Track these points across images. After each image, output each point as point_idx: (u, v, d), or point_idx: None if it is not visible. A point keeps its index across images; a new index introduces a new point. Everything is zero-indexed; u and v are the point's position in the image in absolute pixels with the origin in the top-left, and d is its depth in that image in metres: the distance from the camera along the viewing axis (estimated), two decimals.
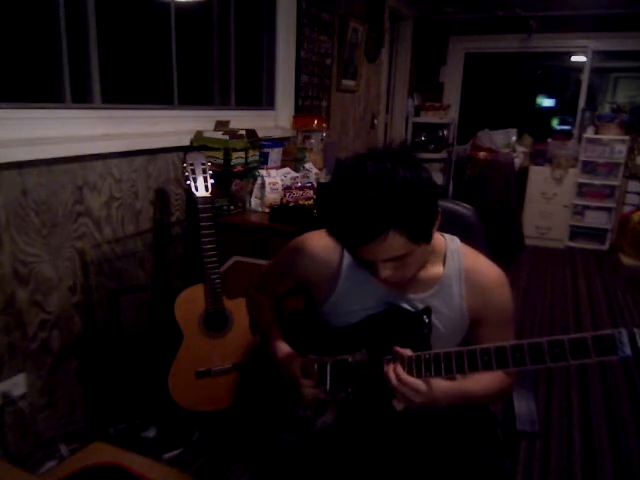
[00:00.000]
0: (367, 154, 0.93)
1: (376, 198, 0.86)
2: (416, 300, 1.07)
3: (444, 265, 1.08)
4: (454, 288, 1.07)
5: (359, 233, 0.89)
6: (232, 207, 2.13)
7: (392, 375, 0.94)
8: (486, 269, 1.08)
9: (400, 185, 0.86)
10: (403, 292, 1.07)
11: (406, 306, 1.07)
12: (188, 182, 1.82)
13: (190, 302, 1.84)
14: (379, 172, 0.87)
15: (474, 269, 1.07)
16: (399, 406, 0.97)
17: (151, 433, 1.91)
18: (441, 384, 0.96)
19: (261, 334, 1.28)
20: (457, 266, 1.07)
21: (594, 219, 4.94)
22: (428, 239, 0.95)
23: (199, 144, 2.09)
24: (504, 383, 1.08)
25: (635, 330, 0.76)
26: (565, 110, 5.64)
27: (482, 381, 1.04)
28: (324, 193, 0.97)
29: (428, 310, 1.02)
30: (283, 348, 1.18)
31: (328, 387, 1.09)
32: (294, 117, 2.93)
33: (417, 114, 5.13)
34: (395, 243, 0.89)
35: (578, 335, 0.79)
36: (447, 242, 1.10)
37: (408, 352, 0.96)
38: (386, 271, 0.95)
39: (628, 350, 0.76)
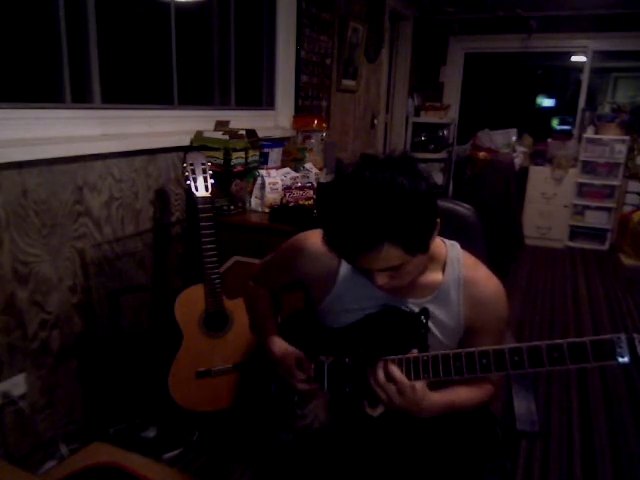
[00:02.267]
0: (367, 162, 0.92)
1: (371, 210, 0.85)
2: (414, 305, 1.07)
3: (443, 272, 1.08)
4: (452, 296, 1.07)
5: (354, 244, 0.89)
6: (232, 207, 2.13)
7: (380, 372, 0.95)
8: (485, 280, 1.08)
9: (396, 197, 0.86)
10: (401, 296, 1.07)
11: (404, 308, 1.07)
12: (188, 182, 1.82)
13: (190, 302, 1.84)
14: (376, 183, 0.87)
15: (473, 280, 1.07)
16: (374, 412, 0.98)
17: (151, 433, 1.91)
18: (433, 396, 0.97)
19: (257, 326, 1.28)
20: (456, 274, 1.07)
21: (594, 219, 4.94)
22: (425, 250, 0.94)
23: (199, 144, 2.09)
24: (489, 392, 1.09)
25: (634, 335, 0.76)
26: (565, 110, 5.64)
27: (471, 392, 1.05)
28: (322, 200, 0.96)
29: (426, 311, 1.02)
30: (278, 342, 1.18)
31: (326, 387, 1.09)
32: (294, 117, 2.93)
33: (417, 114, 5.13)
34: (390, 254, 0.89)
35: (577, 340, 0.80)
36: (447, 248, 1.09)
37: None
38: (382, 279, 0.96)
39: (627, 356, 0.76)
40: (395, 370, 0.94)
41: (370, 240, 0.87)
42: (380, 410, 0.97)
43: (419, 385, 0.94)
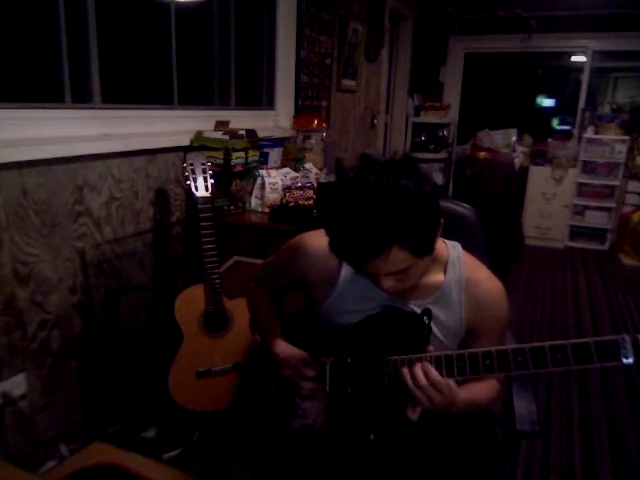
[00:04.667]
0: (370, 165, 0.92)
1: (378, 215, 0.85)
2: (415, 306, 1.07)
3: (445, 273, 1.08)
4: (454, 297, 1.07)
5: (361, 250, 0.89)
6: (232, 207, 2.13)
7: (420, 374, 0.92)
8: (486, 282, 1.08)
9: (402, 200, 0.86)
10: (403, 297, 1.07)
11: (406, 309, 1.07)
12: (188, 182, 1.82)
13: (190, 302, 1.83)
14: (382, 187, 0.87)
15: (475, 281, 1.07)
16: (415, 414, 0.94)
17: (151, 433, 1.91)
18: (462, 394, 0.95)
19: (260, 328, 1.28)
20: (458, 276, 1.07)
21: (594, 219, 4.94)
22: (430, 251, 0.95)
23: (199, 144, 2.09)
24: (499, 392, 1.09)
25: (639, 336, 0.76)
26: (565, 110, 5.64)
27: (486, 390, 1.05)
28: (327, 207, 0.95)
29: (428, 312, 1.02)
30: (282, 344, 1.18)
31: (327, 387, 1.08)
32: (294, 117, 2.93)
33: (417, 114, 5.13)
34: (398, 258, 0.89)
35: (581, 340, 0.79)
36: (449, 250, 1.10)
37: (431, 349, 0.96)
38: (388, 282, 0.96)
39: (631, 357, 0.75)
40: (433, 370, 0.91)
41: (378, 244, 0.87)
42: (419, 412, 0.94)
43: (452, 382, 0.92)
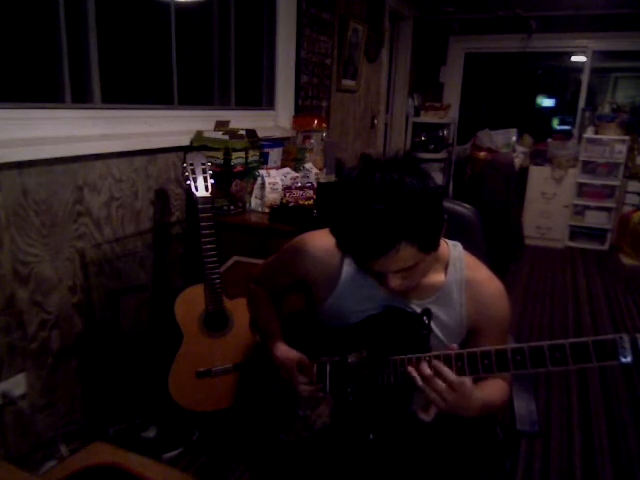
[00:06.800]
0: (373, 164, 0.92)
1: (386, 211, 0.86)
2: (416, 306, 1.07)
3: (446, 273, 1.08)
4: (454, 297, 1.07)
5: (371, 248, 0.89)
6: (232, 207, 2.13)
7: (426, 369, 0.90)
8: (487, 281, 1.08)
9: (408, 197, 0.86)
10: (403, 297, 1.07)
11: (406, 309, 1.07)
12: (188, 182, 1.82)
13: (190, 302, 1.83)
14: (387, 184, 0.87)
15: (476, 280, 1.07)
16: (429, 416, 0.92)
17: (151, 433, 1.91)
18: (477, 395, 0.93)
19: (260, 329, 1.28)
20: (459, 275, 1.07)
21: (594, 219, 4.94)
22: (437, 247, 0.95)
23: (199, 144, 2.09)
24: (509, 394, 1.09)
25: (637, 335, 0.76)
26: (565, 110, 5.64)
27: (497, 391, 1.05)
28: (333, 206, 0.95)
29: (428, 312, 1.02)
30: (281, 345, 1.18)
31: (328, 387, 1.09)
32: (294, 117, 2.93)
33: (417, 114, 5.13)
34: (406, 254, 0.89)
35: (579, 340, 0.79)
36: (450, 249, 1.10)
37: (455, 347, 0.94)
38: (395, 281, 0.96)
39: (629, 356, 0.76)
40: (442, 366, 0.90)
41: (387, 241, 0.87)
42: (433, 413, 0.92)
43: (467, 380, 0.90)
